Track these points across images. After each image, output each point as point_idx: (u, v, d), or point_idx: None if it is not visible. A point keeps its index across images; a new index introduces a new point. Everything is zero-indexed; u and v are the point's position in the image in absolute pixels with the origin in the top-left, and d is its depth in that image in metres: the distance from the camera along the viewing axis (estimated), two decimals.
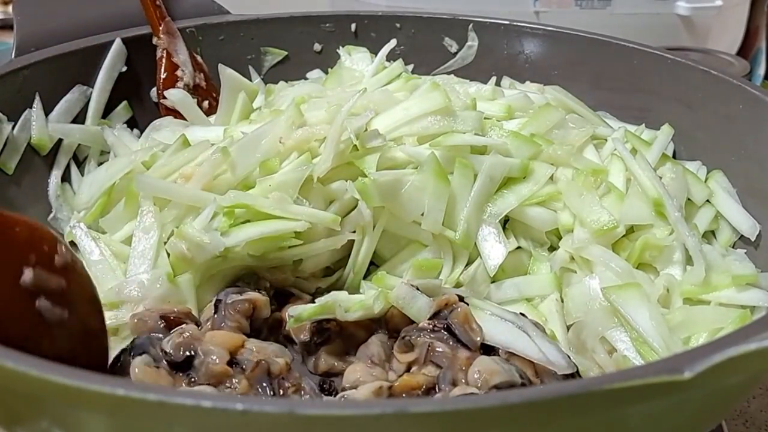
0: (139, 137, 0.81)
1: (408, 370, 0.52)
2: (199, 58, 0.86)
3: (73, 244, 0.63)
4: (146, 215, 0.61)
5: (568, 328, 0.59)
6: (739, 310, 0.58)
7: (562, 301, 0.61)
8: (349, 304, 0.54)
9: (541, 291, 0.62)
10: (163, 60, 0.83)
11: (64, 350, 0.45)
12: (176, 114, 0.81)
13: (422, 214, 0.61)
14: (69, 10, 0.81)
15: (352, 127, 0.61)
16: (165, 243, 0.60)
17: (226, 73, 0.83)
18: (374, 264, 0.64)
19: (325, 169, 0.61)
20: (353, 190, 0.59)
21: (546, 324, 0.59)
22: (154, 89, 0.84)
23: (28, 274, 0.43)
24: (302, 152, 0.64)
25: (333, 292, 0.57)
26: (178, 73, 0.84)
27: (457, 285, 0.61)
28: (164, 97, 0.82)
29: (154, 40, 0.83)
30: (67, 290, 0.46)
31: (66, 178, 0.76)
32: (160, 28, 0.83)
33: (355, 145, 0.62)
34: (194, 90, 0.84)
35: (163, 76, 0.83)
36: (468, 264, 0.63)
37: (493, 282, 0.62)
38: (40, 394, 0.36)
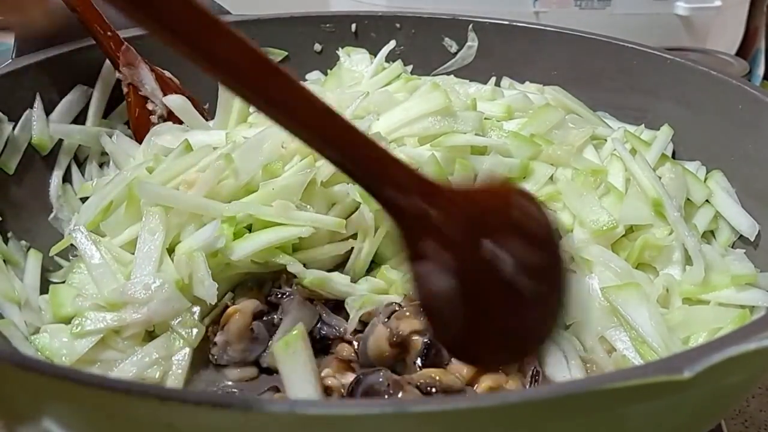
0: None
1: None
2: (167, 74, 0.81)
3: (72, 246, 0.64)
4: (152, 217, 0.60)
5: (567, 327, 0.59)
6: (738, 310, 0.58)
7: None
8: None
9: None
10: (131, 96, 0.78)
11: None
12: None
13: None
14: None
15: None
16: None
17: None
18: (374, 262, 0.64)
19: (329, 173, 0.61)
20: (355, 193, 0.60)
21: None
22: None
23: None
24: (304, 156, 0.64)
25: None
26: (149, 106, 0.79)
27: None
28: (140, 135, 0.78)
29: (117, 75, 0.79)
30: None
31: (67, 178, 0.76)
32: (119, 60, 0.77)
33: None
34: (169, 117, 0.79)
35: (135, 113, 0.79)
36: None
37: None
38: (42, 394, 0.36)
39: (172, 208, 0.61)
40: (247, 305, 0.58)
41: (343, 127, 0.39)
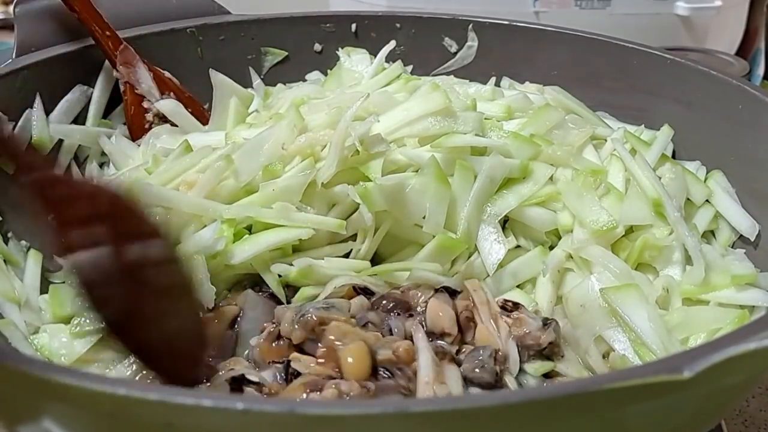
0: None
1: None
2: (166, 74, 0.82)
3: None
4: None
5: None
6: (737, 311, 0.58)
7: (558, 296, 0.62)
8: None
9: (532, 269, 0.63)
10: (127, 94, 0.79)
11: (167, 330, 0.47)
12: None
13: (423, 217, 0.62)
14: (50, 14, 0.80)
15: (357, 133, 0.61)
16: None
17: (218, 78, 0.83)
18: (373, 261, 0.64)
19: (330, 175, 0.61)
20: (354, 194, 0.60)
21: (540, 312, 0.60)
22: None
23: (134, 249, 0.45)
24: (304, 157, 0.64)
25: None
26: (145, 104, 0.80)
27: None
28: (135, 133, 0.80)
29: (114, 74, 0.80)
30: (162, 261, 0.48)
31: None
32: (117, 58, 0.79)
33: (358, 150, 0.62)
34: (163, 117, 0.80)
35: (131, 111, 0.80)
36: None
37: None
38: (42, 394, 0.36)
39: (169, 212, 0.61)
40: (227, 312, 0.58)
41: None
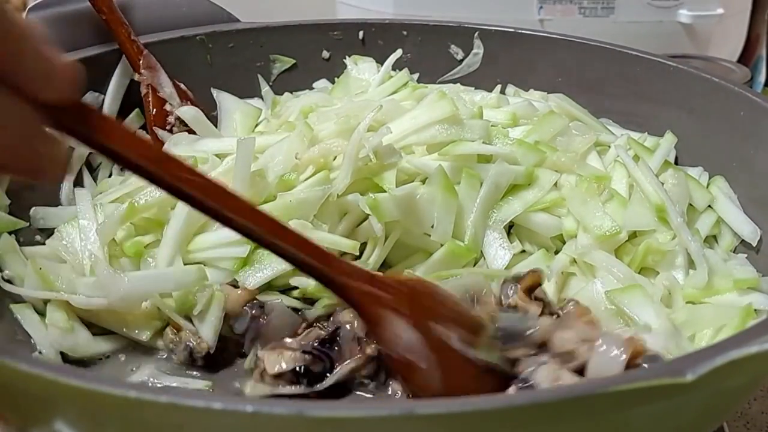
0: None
1: None
2: (182, 86, 0.84)
3: None
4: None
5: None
6: (742, 307, 0.58)
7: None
8: None
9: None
10: (150, 96, 0.81)
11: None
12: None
13: (432, 226, 0.63)
14: (81, 17, 0.81)
15: (370, 145, 0.62)
16: None
17: (221, 96, 0.85)
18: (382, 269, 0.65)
19: (344, 187, 0.62)
20: (365, 206, 0.61)
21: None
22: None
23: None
24: (318, 166, 0.65)
25: None
26: (167, 107, 0.82)
27: None
28: (155, 133, 0.81)
29: (136, 77, 0.82)
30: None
31: (79, 182, 0.77)
32: (140, 63, 0.81)
33: (370, 160, 0.63)
34: (183, 123, 0.82)
35: (152, 112, 0.81)
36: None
37: None
38: (54, 397, 0.36)
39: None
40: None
41: (300, 241, 0.47)
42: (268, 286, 0.61)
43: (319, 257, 0.47)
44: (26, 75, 0.36)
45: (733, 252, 0.68)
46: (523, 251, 0.66)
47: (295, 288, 0.61)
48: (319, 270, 0.47)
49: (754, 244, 0.67)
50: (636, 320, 0.56)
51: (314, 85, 0.92)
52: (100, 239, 0.62)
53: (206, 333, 0.57)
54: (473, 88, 0.86)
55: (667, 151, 0.74)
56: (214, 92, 0.85)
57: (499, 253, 0.63)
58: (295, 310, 0.60)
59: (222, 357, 0.58)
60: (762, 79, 1.30)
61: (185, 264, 0.61)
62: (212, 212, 0.44)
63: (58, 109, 0.38)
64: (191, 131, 0.81)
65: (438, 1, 1.14)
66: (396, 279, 0.51)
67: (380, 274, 0.52)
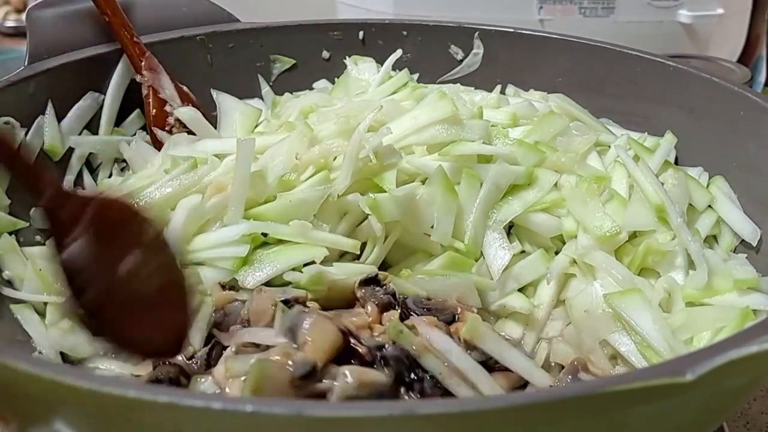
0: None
1: None
2: (185, 88, 0.84)
3: None
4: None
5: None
6: (740, 309, 0.58)
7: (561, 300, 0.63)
8: None
9: (534, 272, 0.63)
10: (150, 97, 0.82)
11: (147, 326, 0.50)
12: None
13: (432, 226, 0.63)
14: (81, 17, 0.82)
15: (371, 145, 0.62)
16: None
17: (221, 96, 0.85)
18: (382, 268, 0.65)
19: (344, 187, 0.62)
20: (365, 206, 0.61)
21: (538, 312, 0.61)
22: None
23: (129, 260, 0.48)
24: (318, 167, 0.65)
25: None
26: (167, 108, 0.82)
27: None
28: (154, 133, 0.81)
29: (138, 78, 0.82)
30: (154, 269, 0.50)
31: (79, 182, 0.77)
32: (142, 64, 0.81)
33: (370, 160, 0.63)
34: (183, 124, 0.82)
35: (152, 113, 0.82)
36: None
37: None
38: (54, 397, 0.36)
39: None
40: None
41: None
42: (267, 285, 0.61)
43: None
44: None
45: (733, 252, 0.68)
46: (523, 251, 0.66)
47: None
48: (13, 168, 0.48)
49: (754, 244, 0.67)
50: (633, 325, 0.56)
51: (314, 85, 0.93)
52: None
53: (194, 337, 0.57)
54: (473, 88, 0.86)
55: (667, 151, 0.74)
56: (214, 93, 0.86)
57: (498, 253, 0.63)
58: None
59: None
60: (762, 79, 1.30)
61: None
62: None
63: None
64: (191, 132, 0.81)
65: (438, 1, 1.14)
66: (88, 198, 0.50)
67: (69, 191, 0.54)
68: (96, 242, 0.48)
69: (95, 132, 0.80)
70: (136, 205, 0.52)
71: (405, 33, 0.93)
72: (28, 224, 0.68)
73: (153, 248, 0.51)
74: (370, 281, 0.58)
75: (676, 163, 0.76)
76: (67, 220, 0.48)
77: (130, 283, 0.49)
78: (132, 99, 0.83)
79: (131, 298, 0.49)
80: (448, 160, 0.66)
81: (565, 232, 0.66)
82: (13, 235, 0.66)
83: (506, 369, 0.52)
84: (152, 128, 0.82)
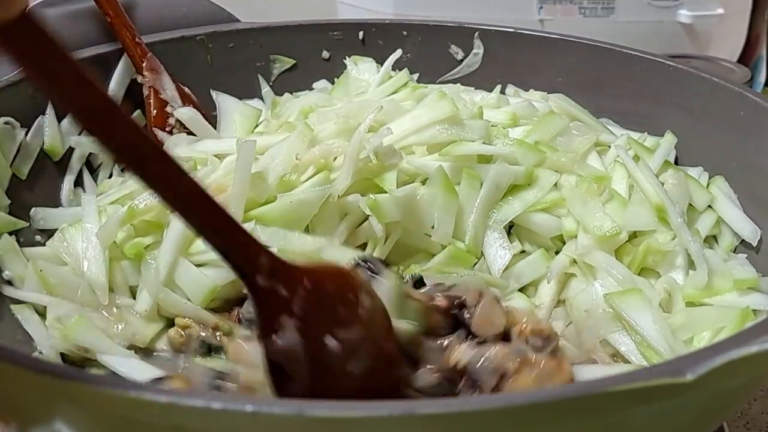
0: None
1: None
2: (186, 89, 0.85)
3: None
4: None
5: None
6: (740, 309, 0.58)
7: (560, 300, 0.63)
8: None
9: (534, 272, 0.63)
10: (151, 98, 0.82)
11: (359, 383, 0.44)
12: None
13: (432, 227, 0.63)
14: (80, 18, 0.82)
15: (371, 146, 0.62)
16: None
17: (221, 97, 0.85)
18: None
19: (345, 187, 0.62)
20: (365, 206, 0.61)
21: (539, 312, 0.61)
22: None
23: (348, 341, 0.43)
24: (319, 167, 0.65)
25: None
26: (168, 109, 0.82)
27: None
28: (155, 134, 0.81)
29: (139, 78, 0.82)
30: (366, 334, 0.45)
31: (79, 182, 0.77)
32: (144, 65, 0.81)
33: (371, 161, 0.63)
34: (183, 125, 0.82)
35: (153, 113, 0.82)
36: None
37: None
38: (54, 397, 0.36)
39: None
40: None
41: (219, 215, 0.41)
42: None
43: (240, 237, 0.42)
44: None
45: (733, 252, 0.68)
46: (523, 251, 0.66)
47: None
48: (222, 246, 0.41)
49: (754, 244, 0.67)
50: (633, 325, 0.56)
51: (314, 85, 0.93)
52: (101, 243, 0.62)
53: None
54: (473, 88, 0.86)
55: (667, 151, 0.74)
56: (214, 93, 0.86)
57: (499, 253, 0.63)
58: None
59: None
60: (762, 79, 1.30)
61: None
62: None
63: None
64: (191, 133, 0.81)
65: (438, 1, 1.14)
66: (302, 270, 0.44)
67: (284, 260, 0.44)
68: (313, 323, 0.42)
69: None
70: (353, 273, 0.48)
71: (405, 33, 0.93)
72: (28, 224, 0.69)
73: (372, 322, 0.45)
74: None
75: (676, 163, 0.76)
76: (282, 297, 0.42)
77: (346, 365, 0.43)
78: (132, 99, 0.83)
79: (347, 380, 0.44)
80: (448, 160, 0.66)
81: (565, 232, 0.66)
82: (13, 235, 0.66)
83: None
84: (153, 129, 0.82)
